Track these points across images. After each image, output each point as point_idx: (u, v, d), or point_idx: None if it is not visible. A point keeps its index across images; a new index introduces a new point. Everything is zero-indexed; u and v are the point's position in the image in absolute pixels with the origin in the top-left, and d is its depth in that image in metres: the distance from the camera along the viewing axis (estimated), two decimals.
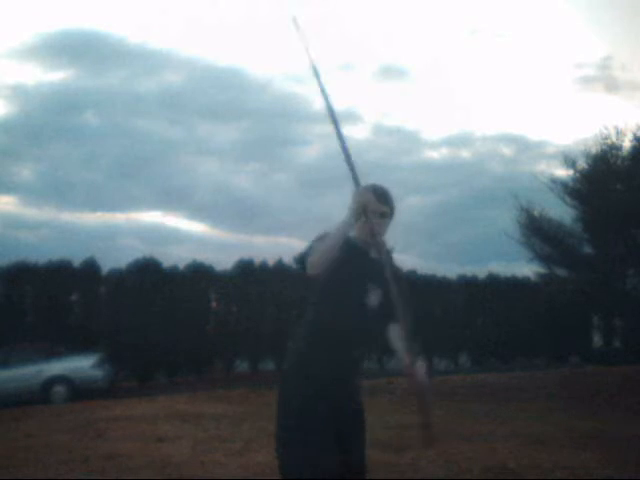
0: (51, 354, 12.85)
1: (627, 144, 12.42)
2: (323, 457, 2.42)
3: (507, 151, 42.78)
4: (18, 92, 36.77)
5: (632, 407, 8.83)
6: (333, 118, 2.46)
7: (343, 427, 2.51)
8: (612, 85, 39.14)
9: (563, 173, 13.30)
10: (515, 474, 4.89)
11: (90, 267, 15.81)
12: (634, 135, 12.20)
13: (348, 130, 42.84)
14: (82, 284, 15.69)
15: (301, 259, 2.54)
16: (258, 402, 9.59)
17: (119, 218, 37.60)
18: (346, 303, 2.50)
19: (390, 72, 42.43)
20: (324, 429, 2.44)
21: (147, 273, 15.82)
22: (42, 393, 11.96)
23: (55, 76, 38.46)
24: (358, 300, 2.51)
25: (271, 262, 16.99)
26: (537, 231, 13.08)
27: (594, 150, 12.75)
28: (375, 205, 2.52)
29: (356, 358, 2.59)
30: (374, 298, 2.54)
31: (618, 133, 12.46)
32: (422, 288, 17.63)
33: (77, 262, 15.81)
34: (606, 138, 12.54)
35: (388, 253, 2.62)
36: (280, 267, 16.86)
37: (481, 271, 19.63)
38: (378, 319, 2.56)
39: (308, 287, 2.61)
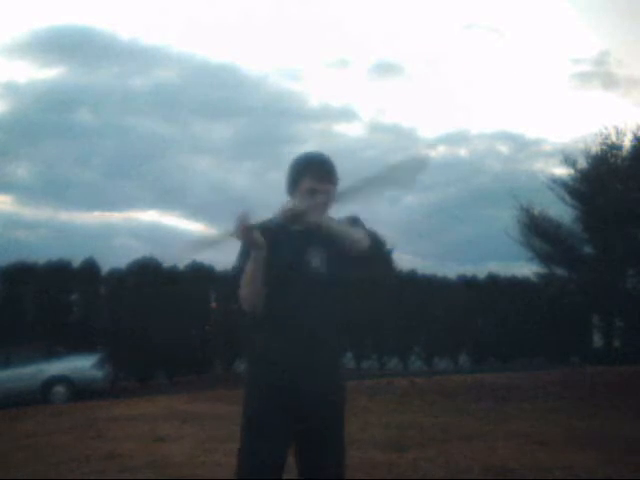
0: (51, 354, 12.86)
1: (627, 144, 12.43)
2: (261, 456, 2.23)
3: (504, 149, 42.81)
4: (10, 90, 36.73)
5: (632, 407, 8.81)
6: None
7: (306, 422, 2.27)
8: (609, 81, 39.12)
9: (562, 172, 13.30)
10: (515, 474, 4.89)
11: (90, 267, 15.79)
12: (634, 135, 12.21)
13: (344, 128, 43.05)
14: (82, 284, 15.68)
15: (234, 283, 2.27)
16: None
17: (117, 217, 37.61)
18: (286, 275, 2.24)
19: (386, 69, 42.46)
20: (270, 426, 2.23)
21: (147, 273, 15.81)
22: (42, 393, 11.96)
23: (47, 73, 38.45)
24: (297, 266, 2.24)
25: None
26: (537, 230, 13.07)
27: (594, 150, 12.75)
28: (317, 185, 2.27)
29: (321, 337, 2.27)
30: (317, 258, 2.26)
31: (618, 133, 12.47)
32: (422, 288, 17.66)
33: (77, 262, 15.81)
34: (606, 138, 12.55)
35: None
36: None
37: (481, 271, 19.68)
38: (334, 279, 2.29)
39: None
